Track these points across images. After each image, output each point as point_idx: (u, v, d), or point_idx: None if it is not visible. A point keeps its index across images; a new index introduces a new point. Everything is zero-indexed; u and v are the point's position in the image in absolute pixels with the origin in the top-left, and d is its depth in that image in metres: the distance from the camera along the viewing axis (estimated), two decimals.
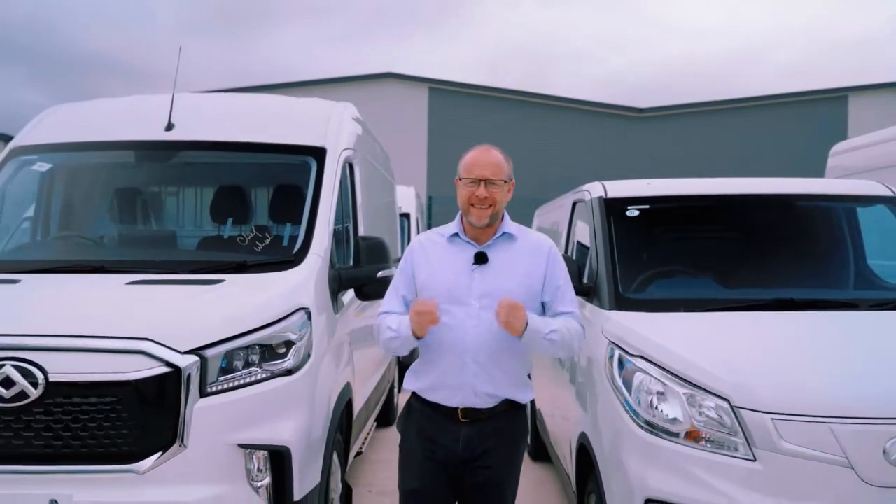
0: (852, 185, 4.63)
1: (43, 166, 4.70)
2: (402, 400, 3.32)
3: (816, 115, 41.92)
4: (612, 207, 4.23)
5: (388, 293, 3.03)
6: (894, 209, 4.24)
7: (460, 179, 2.90)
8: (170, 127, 4.51)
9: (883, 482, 2.73)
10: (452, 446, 2.85)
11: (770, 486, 2.80)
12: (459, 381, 2.82)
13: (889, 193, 4.29)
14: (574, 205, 4.96)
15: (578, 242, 4.79)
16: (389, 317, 2.92)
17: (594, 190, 4.44)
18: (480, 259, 2.84)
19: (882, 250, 4.55)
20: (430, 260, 2.92)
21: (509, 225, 2.93)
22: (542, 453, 6.00)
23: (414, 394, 2.97)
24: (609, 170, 46.13)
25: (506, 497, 2.93)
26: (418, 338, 2.79)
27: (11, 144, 4.72)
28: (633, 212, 4.27)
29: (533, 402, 6.07)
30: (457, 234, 2.92)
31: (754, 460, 2.84)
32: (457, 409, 2.84)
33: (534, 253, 2.90)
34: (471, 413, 2.84)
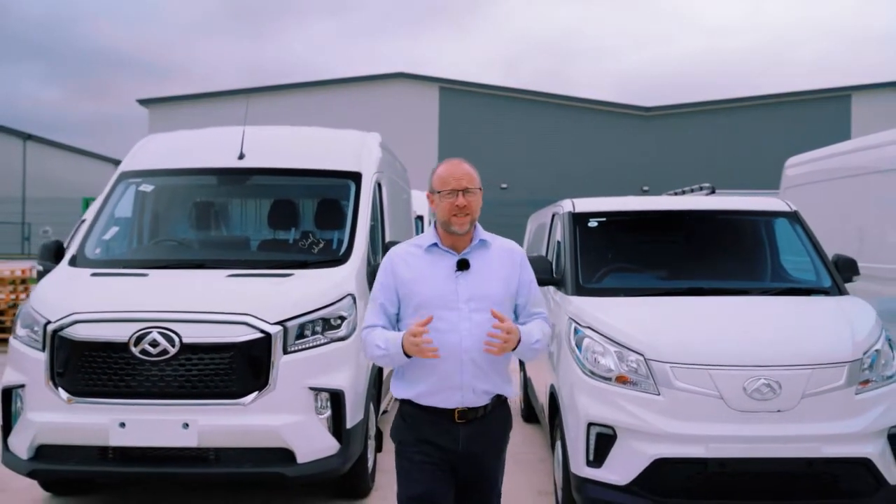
0: (761, 202, 5.99)
1: (146, 187, 6.15)
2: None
3: (820, 114, 42.63)
4: (578, 219, 5.63)
5: (369, 307, 3.12)
6: (791, 221, 5.62)
7: (436, 193, 3.01)
8: (241, 156, 5.92)
9: (742, 408, 4.13)
10: (452, 447, 2.98)
11: (669, 411, 4.20)
12: (459, 382, 2.95)
13: (788, 209, 5.67)
14: (553, 216, 6.36)
15: (557, 243, 6.18)
16: (375, 332, 3.01)
17: (566, 206, 5.84)
18: (463, 265, 3.00)
19: (789, 249, 5.93)
20: (412, 270, 3.03)
21: (482, 232, 3.10)
22: (532, 416, 7.41)
23: (406, 402, 3.06)
24: (615, 168, 47.20)
25: (497, 484, 3.14)
26: (408, 356, 2.89)
27: (120, 169, 6.15)
28: (593, 223, 5.68)
29: (525, 371, 7.49)
30: (435, 245, 3.05)
31: (658, 394, 4.24)
32: (453, 410, 2.97)
33: (508, 257, 3.11)
34: (467, 413, 2.98)
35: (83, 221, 10.88)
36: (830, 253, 5.48)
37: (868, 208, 7.55)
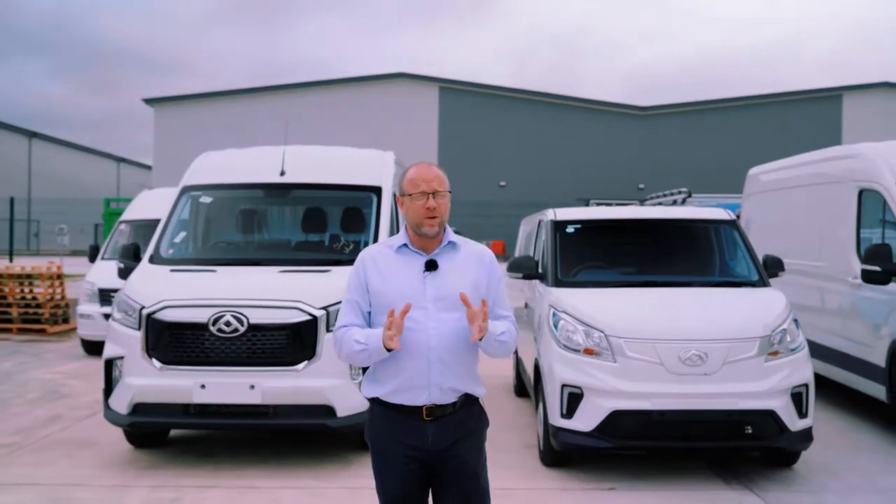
0: (708, 212, 7.33)
1: (206, 199, 7.47)
2: None
3: (811, 114, 43.73)
4: (558, 226, 6.96)
5: (343, 306, 3.15)
6: (730, 227, 6.96)
7: (407, 196, 3.05)
8: (283, 173, 7.23)
9: (678, 372, 5.46)
10: (422, 444, 3.01)
11: (622, 374, 5.53)
12: (426, 381, 2.99)
13: (729, 218, 7.01)
14: (539, 222, 7.70)
15: (543, 244, 7.51)
16: (352, 330, 3.04)
17: (549, 214, 7.18)
18: (431, 266, 3.04)
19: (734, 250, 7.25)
20: (381, 271, 3.07)
21: (452, 235, 3.13)
22: (523, 391, 8.73)
23: (375, 401, 3.09)
24: (612, 166, 48.48)
25: (479, 479, 3.11)
26: (389, 350, 2.90)
27: (182, 183, 7.46)
28: (570, 228, 7.01)
29: (517, 352, 8.80)
30: (405, 245, 3.08)
31: (615, 362, 5.57)
32: (421, 407, 3.00)
33: (477, 260, 3.14)
34: (435, 410, 3.01)
35: (122, 223, 12.24)
36: (780, 252, 6.76)
37: (807, 214, 8.89)
